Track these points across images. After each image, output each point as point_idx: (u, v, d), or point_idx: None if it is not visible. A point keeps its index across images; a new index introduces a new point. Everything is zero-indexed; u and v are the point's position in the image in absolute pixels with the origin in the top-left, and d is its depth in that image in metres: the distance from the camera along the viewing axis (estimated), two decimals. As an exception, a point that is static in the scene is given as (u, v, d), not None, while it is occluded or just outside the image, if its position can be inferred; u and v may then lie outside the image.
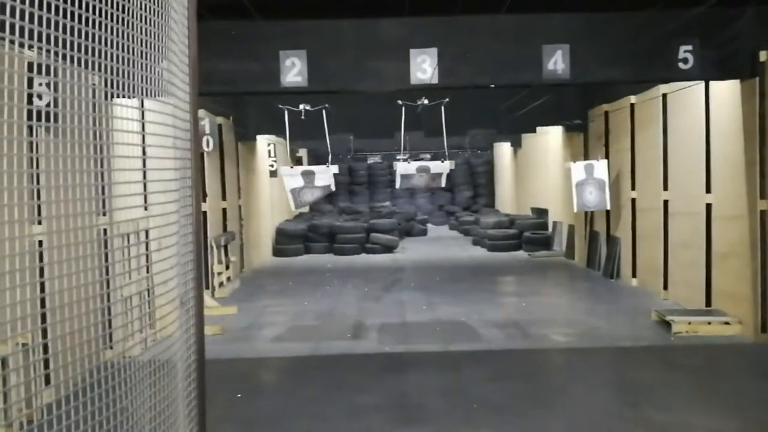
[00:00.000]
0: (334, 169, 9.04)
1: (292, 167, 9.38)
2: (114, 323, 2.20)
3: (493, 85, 6.66)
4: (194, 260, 2.16)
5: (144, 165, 2.20)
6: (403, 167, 9.19)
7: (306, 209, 19.52)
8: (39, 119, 1.74)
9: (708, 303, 7.71)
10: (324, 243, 15.19)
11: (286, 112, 8.78)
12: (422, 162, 9.66)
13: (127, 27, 1.98)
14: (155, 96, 2.27)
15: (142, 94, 2.18)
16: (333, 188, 9.24)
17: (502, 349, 6.74)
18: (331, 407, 5.17)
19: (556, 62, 6.24)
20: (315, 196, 8.97)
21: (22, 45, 1.65)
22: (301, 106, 8.52)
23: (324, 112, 8.47)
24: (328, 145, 9.06)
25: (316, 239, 15.23)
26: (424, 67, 6.21)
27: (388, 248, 15.06)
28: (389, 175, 22.26)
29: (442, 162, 9.09)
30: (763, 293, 6.67)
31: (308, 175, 8.93)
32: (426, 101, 8.19)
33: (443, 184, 9.43)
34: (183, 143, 2.31)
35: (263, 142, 13.83)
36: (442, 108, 8.14)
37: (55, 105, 1.83)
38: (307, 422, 4.88)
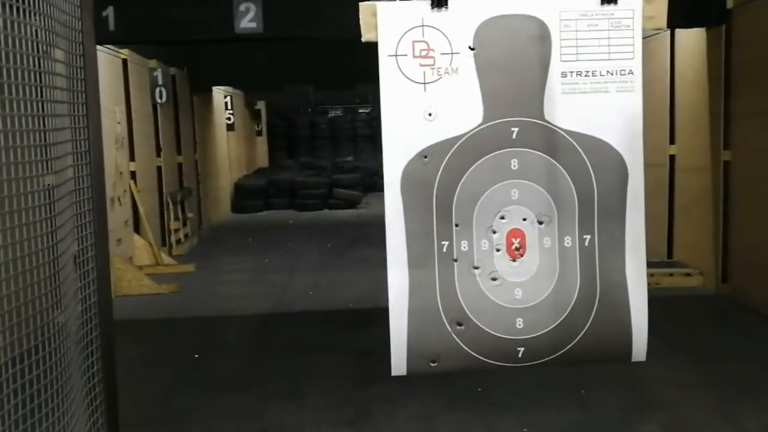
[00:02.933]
0: None
1: None
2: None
3: None
4: (94, 213, 1.91)
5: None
6: None
7: (265, 164, 19.16)
8: None
9: (670, 255, 7.74)
10: (285, 198, 14.92)
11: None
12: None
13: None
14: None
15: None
16: None
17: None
18: (293, 367, 5.03)
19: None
20: None
21: None
22: None
23: None
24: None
25: (276, 194, 14.94)
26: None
27: (352, 203, 14.87)
28: (352, 129, 21.93)
29: None
30: (724, 244, 6.70)
31: None
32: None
33: None
34: (66, 93, 1.94)
35: (219, 93, 13.38)
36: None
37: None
38: (269, 383, 4.73)
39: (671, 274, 7.07)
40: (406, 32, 2.07)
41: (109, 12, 5.79)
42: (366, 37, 2.04)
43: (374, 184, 18.00)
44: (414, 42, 2.07)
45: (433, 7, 2.07)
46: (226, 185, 14.21)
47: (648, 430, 3.91)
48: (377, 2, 2.02)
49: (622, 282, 2.22)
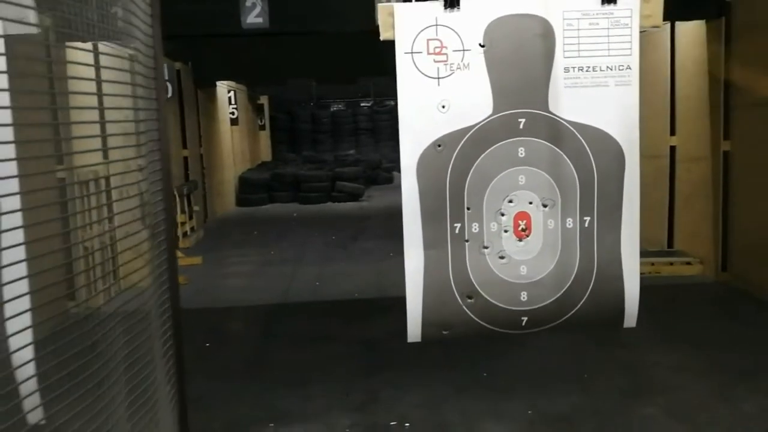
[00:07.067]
0: None
1: None
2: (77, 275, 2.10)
3: None
4: (164, 209, 2.06)
5: (101, 112, 2.05)
6: None
7: (268, 158, 19.23)
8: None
9: (670, 244, 7.84)
10: (288, 192, 15.02)
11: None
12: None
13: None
14: (113, 39, 2.10)
15: (97, 37, 2.02)
16: None
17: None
18: (301, 355, 5.15)
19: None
20: None
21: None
22: None
23: None
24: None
25: (280, 188, 15.04)
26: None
27: (354, 196, 14.97)
28: (354, 123, 22.01)
29: None
30: (724, 233, 6.80)
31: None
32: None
33: None
34: (147, 92, 2.16)
35: (223, 88, 13.47)
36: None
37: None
38: (278, 371, 4.85)
39: (671, 263, 7.18)
40: (421, 31, 2.19)
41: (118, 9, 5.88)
42: (384, 35, 2.17)
43: (376, 177, 18.12)
44: (428, 40, 2.19)
45: (446, 8, 2.20)
46: (231, 179, 14.32)
47: (648, 413, 4.01)
48: (394, 3, 2.15)
49: (618, 258, 2.42)
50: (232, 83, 13.76)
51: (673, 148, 7.78)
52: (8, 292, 1.46)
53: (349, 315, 6.19)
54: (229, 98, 13.61)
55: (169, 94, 9.29)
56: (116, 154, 2.08)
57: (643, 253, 7.74)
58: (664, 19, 7.44)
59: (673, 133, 7.77)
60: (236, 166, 14.88)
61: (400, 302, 6.71)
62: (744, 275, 6.50)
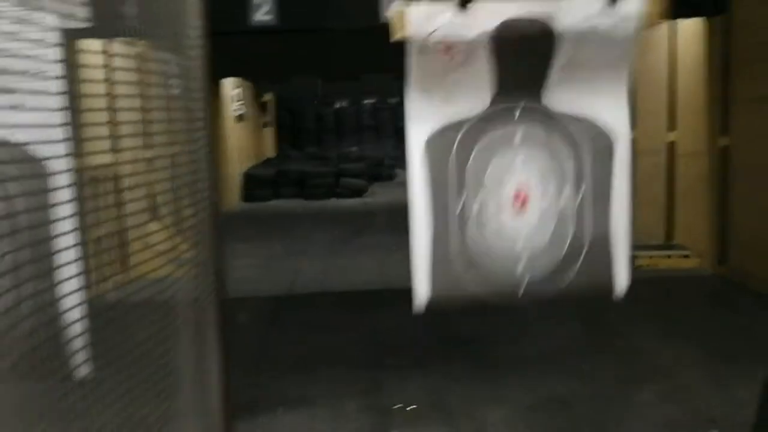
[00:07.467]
0: None
1: None
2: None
3: None
4: (210, 203, 2.22)
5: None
6: None
7: (272, 154, 19.37)
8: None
9: (669, 238, 7.96)
10: (293, 188, 15.14)
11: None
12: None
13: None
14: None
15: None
16: None
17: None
18: (308, 344, 5.28)
19: None
20: None
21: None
22: None
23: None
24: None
25: (285, 184, 15.17)
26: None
27: (358, 192, 15.10)
28: (357, 120, 22.11)
29: None
30: (722, 227, 6.91)
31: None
32: None
33: None
34: (199, 83, 2.31)
35: (229, 85, 13.61)
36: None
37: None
38: (285, 359, 4.99)
39: (670, 256, 7.30)
40: (431, 31, 2.40)
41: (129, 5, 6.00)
42: (397, 35, 2.38)
43: (379, 173, 18.22)
44: (438, 39, 2.40)
45: (456, 10, 2.42)
46: (236, 175, 14.45)
47: (644, 398, 4.14)
48: (406, 3, 2.36)
49: (608, 234, 2.65)
50: (237, 80, 13.90)
51: (672, 144, 7.89)
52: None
53: (354, 306, 6.33)
54: (234, 95, 13.76)
55: (177, 91, 9.40)
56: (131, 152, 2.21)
57: (642, 247, 7.88)
58: (664, 18, 7.49)
59: (672, 128, 7.88)
60: (241, 162, 15.02)
61: (404, 294, 6.82)
62: (741, 268, 6.62)
